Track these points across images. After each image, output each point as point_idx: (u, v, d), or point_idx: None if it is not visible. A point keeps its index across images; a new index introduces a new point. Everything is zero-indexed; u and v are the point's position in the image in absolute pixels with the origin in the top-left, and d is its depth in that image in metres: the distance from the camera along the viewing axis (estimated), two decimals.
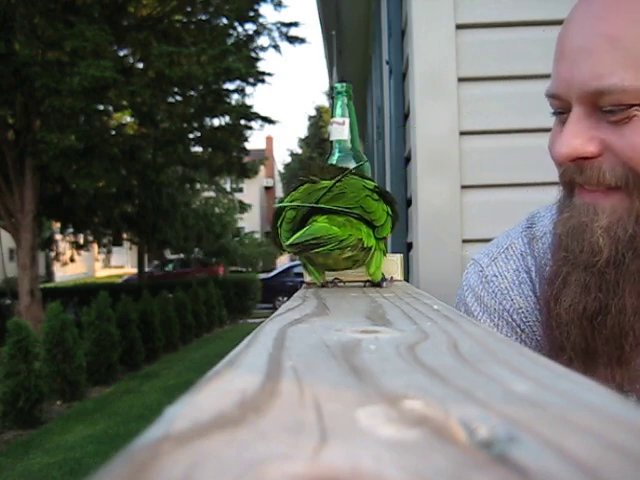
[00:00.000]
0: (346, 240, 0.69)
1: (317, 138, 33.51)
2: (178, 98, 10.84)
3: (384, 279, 0.80)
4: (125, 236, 15.88)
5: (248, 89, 13.96)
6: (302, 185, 0.79)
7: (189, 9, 10.36)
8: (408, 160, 2.16)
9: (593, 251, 0.65)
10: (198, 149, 11.84)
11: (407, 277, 2.01)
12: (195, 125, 11.06)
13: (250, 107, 11.08)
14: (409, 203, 2.09)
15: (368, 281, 0.81)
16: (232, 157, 11.61)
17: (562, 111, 0.69)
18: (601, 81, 0.62)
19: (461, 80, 1.82)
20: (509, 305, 0.80)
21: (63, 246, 16.65)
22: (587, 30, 0.64)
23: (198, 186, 15.94)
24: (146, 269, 17.65)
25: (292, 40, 11.02)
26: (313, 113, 35.76)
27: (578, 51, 0.65)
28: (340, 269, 0.79)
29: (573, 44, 0.66)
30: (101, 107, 9.70)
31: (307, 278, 0.84)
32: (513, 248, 0.84)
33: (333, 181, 0.75)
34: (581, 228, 0.67)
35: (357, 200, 0.74)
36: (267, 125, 11.81)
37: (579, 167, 0.67)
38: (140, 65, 10.34)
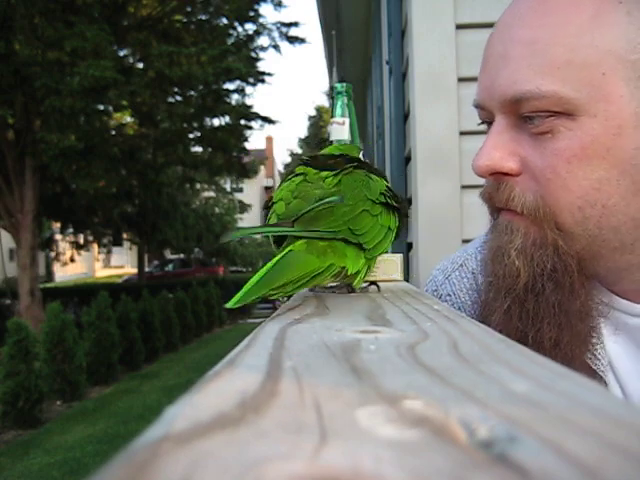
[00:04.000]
0: (325, 272, 0.58)
1: (317, 138, 33.46)
2: (178, 98, 10.86)
3: (364, 288, 0.70)
4: (125, 236, 15.90)
5: (248, 89, 14.03)
6: (298, 176, 0.67)
7: (189, 9, 10.38)
8: (408, 160, 2.16)
9: (512, 274, 0.62)
10: (198, 149, 11.85)
11: (407, 277, 2.01)
12: (195, 125, 11.08)
13: (250, 107, 11.11)
14: (409, 203, 2.09)
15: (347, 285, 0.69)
16: (232, 157, 11.63)
17: (488, 121, 0.67)
18: (518, 87, 0.59)
19: (461, 80, 1.82)
20: None
21: (63, 246, 16.65)
22: (505, 36, 0.63)
23: (198, 186, 15.96)
24: (146, 269, 17.66)
25: (292, 40, 11.04)
26: (313, 113, 35.78)
27: (498, 58, 0.63)
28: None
29: (493, 51, 0.64)
30: (101, 107, 9.71)
31: None
32: (467, 265, 0.80)
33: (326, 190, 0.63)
34: (500, 251, 0.64)
35: (346, 220, 0.61)
36: (267, 125, 11.83)
37: (497, 183, 0.64)
38: (140, 65, 10.35)
